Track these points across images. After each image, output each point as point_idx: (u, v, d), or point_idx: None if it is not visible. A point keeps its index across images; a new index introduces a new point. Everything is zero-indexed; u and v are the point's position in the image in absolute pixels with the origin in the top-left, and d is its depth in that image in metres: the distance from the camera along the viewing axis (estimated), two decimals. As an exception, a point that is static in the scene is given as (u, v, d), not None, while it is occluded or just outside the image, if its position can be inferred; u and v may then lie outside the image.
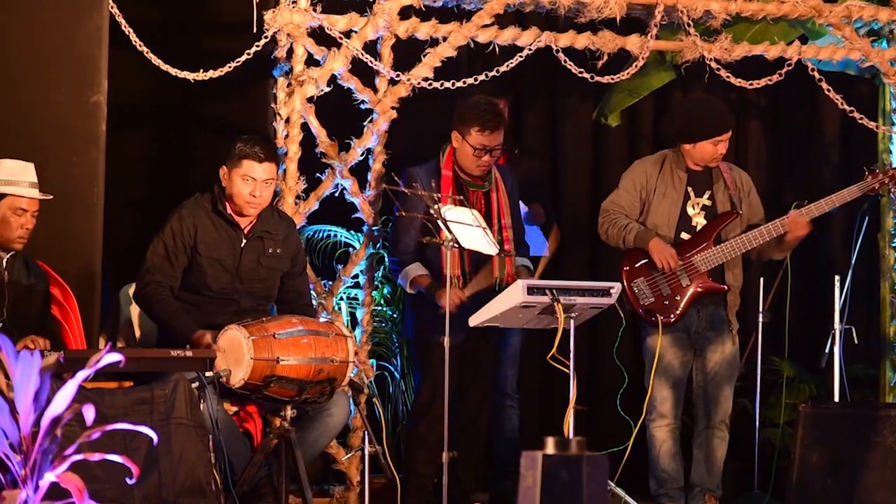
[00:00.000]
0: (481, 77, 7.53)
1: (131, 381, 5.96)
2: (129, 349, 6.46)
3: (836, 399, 7.66)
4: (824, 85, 7.90)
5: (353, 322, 7.62)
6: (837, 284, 7.77)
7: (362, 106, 7.44)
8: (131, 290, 6.67)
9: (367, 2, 7.41)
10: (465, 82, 7.53)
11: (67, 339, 6.36)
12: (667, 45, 7.82)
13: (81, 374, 5.03)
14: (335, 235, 8.10)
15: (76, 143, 6.84)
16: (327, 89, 7.35)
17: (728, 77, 7.77)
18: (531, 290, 6.38)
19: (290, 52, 7.29)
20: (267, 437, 6.28)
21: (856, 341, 7.85)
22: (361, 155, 7.45)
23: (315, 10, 7.26)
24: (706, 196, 7.25)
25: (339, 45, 7.32)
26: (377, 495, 6.90)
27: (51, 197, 6.25)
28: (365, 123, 7.44)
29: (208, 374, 6.02)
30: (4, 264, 6.19)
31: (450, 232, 6.47)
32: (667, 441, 7.20)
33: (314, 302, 7.11)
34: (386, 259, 7.82)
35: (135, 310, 6.74)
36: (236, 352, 6.14)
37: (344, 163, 7.39)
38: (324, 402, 6.39)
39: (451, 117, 7.19)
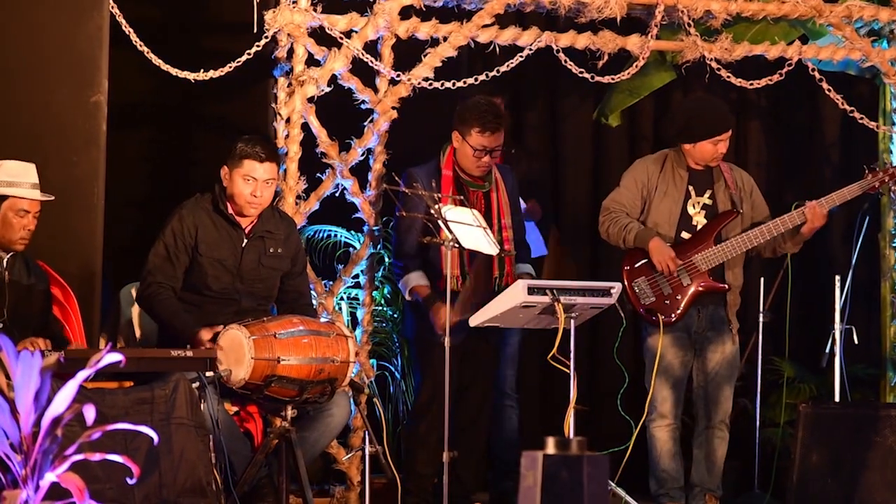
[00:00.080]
0: (482, 77, 7.53)
1: (132, 381, 5.96)
2: (129, 349, 6.46)
3: (837, 399, 7.66)
4: (825, 85, 7.90)
5: (354, 322, 7.62)
6: (838, 284, 7.77)
7: (363, 106, 7.44)
8: (132, 290, 6.68)
9: (367, 2, 7.41)
10: (465, 82, 7.53)
11: (70, 339, 6.36)
12: (667, 45, 7.82)
13: (82, 374, 5.03)
14: (336, 235, 8.10)
15: (77, 143, 6.84)
16: (328, 89, 7.35)
17: (728, 77, 7.77)
18: (532, 291, 6.39)
19: (291, 52, 7.30)
20: (267, 437, 6.28)
21: (856, 341, 7.85)
22: (362, 155, 7.45)
23: (315, 10, 7.26)
24: (707, 195, 7.25)
25: (339, 45, 7.32)
26: (377, 495, 6.90)
27: (52, 198, 6.25)
28: (365, 123, 7.44)
29: (209, 373, 6.02)
30: (5, 264, 6.19)
31: (450, 232, 6.47)
32: (667, 441, 7.19)
33: (314, 302, 7.11)
34: (386, 259, 7.83)
35: (135, 310, 6.74)
36: (237, 351, 6.14)
37: (344, 163, 7.39)
38: (324, 402, 6.39)
39: (452, 117, 7.19)
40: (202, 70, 7.20)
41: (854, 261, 8.05)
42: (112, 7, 6.98)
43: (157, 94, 7.71)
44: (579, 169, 8.99)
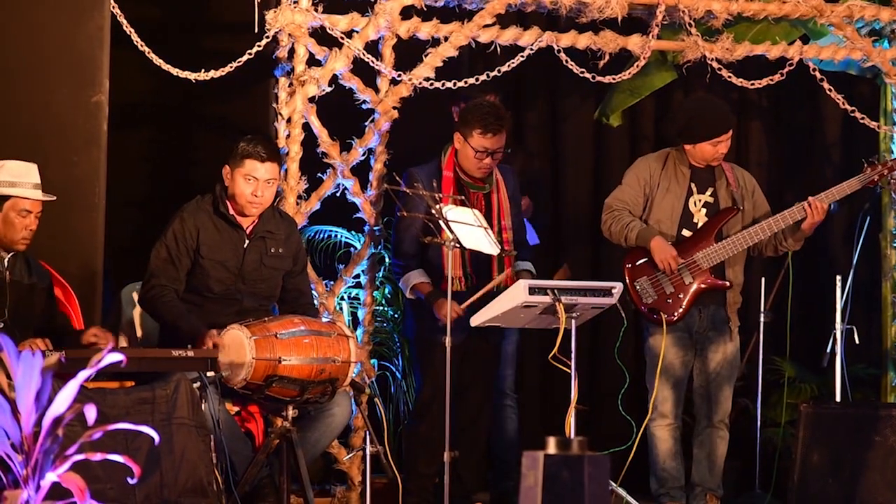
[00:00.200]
0: (482, 77, 7.53)
1: (133, 381, 5.96)
2: (130, 349, 6.45)
3: (838, 399, 7.66)
4: (826, 85, 7.90)
5: (355, 322, 7.62)
6: (839, 284, 7.77)
7: (364, 106, 7.44)
8: (133, 289, 6.67)
9: (368, 2, 7.41)
10: (466, 82, 7.53)
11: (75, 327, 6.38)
12: (668, 44, 7.82)
13: (83, 374, 5.03)
14: (336, 235, 8.10)
15: (77, 143, 6.85)
16: (329, 89, 7.35)
17: (729, 77, 7.77)
18: (533, 291, 6.38)
19: (292, 52, 7.29)
20: (268, 437, 6.28)
21: (857, 341, 7.85)
22: (363, 155, 7.45)
23: (316, 10, 7.26)
24: (709, 192, 7.25)
25: (340, 45, 7.32)
26: (378, 495, 6.89)
27: (54, 198, 6.25)
28: (366, 123, 7.44)
29: (210, 373, 6.02)
30: (6, 264, 6.18)
31: (451, 232, 6.47)
32: (667, 441, 7.19)
33: (315, 302, 7.11)
34: (387, 259, 7.82)
35: (136, 310, 6.73)
36: (238, 351, 6.14)
37: (345, 163, 7.39)
38: (325, 402, 6.40)
39: (453, 117, 7.19)
40: (203, 70, 7.20)
41: (855, 261, 8.04)
42: (113, 7, 6.98)
43: (158, 94, 7.71)
44: (580, 169, 8.99)
